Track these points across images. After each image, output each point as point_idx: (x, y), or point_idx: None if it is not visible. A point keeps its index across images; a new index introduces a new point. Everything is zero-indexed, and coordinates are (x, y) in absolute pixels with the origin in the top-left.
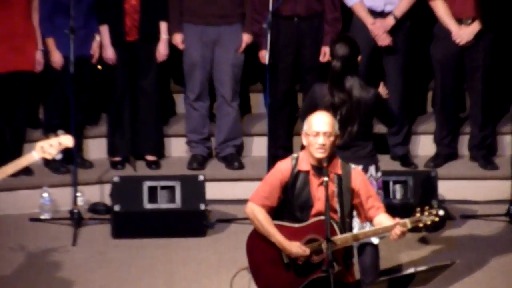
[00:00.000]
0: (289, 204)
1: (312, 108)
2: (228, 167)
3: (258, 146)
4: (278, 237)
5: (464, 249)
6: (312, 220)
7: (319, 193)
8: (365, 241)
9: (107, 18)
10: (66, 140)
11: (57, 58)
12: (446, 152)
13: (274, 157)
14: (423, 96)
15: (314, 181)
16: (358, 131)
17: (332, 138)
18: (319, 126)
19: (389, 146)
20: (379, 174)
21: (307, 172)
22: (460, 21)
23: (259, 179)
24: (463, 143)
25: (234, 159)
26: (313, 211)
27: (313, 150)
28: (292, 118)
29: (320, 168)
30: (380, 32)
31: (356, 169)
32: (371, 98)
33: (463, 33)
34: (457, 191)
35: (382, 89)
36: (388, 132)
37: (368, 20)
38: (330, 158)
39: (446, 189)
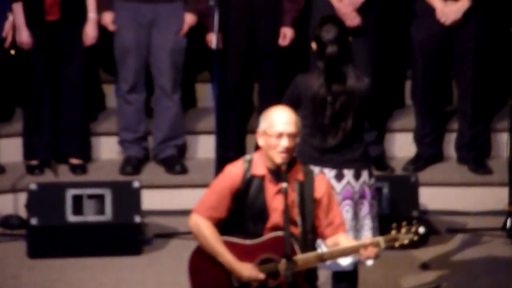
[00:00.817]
0: (241, 215)
1: (293, 103)
2: (168, 171)
3: (204, 146)
4: (227, 257)
5: (451, 270)
6: (268, 236)
7: (276, 203)
8: (339, 268)
9: None
10: None
11: None
12: (428, 153)
13: (223, 159)
14: (400, 86)
15: (270, 188)
16: (352, 128)
17: (296, 140)
18: (282, 126)
19: None
20: (373, 180)
21: (262, 177)
22: None
23: (206, 186)
24: (450, 142)
25: (175, 162)
26: (269, 224)
27: (273, 154)
28: (245, 113)
29: (278, 173)
30: (348, 10)
31: (320, 176)
32: (366, 89)
33: (449, 11)
34: (442, 200)
35: None
36: None
37: None
38: (291, 162)
39: (429, 197)
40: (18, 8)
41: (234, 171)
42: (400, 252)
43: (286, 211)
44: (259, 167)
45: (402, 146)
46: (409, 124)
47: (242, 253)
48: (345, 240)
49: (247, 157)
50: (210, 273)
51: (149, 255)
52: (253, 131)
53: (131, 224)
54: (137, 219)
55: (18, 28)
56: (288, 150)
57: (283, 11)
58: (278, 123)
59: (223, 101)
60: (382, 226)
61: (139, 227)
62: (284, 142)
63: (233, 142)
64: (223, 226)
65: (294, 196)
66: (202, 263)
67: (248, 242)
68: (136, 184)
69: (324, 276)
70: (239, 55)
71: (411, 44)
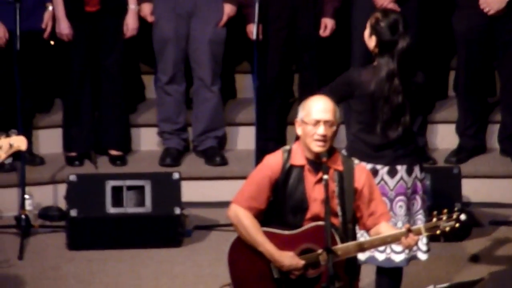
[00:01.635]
0: (280, 206)
1: (342, 98)
2: (208, 163)
3: (244, 138)
4: (267, 246)
5: (495, 262)
6: (308, 225)
7: (315, 193)
8: (392, 264)
9: None
10: (19, 142)
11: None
12: (471, 145)
13: (263, 151)
14: (444, 77)
15: (309, 178)
16: (410, 121)
17: (334, 128)
18: (319, 113)
19: None
20: (423, 174)
21: (301, 167)
22: None
23: (246, 178)
24: (492, 134)
25: (215, 154)
26: (309, 214)
27: (310, 141)
28: (285, 105)
29: (317, 163)
30: (386, 2)
31: (360, 165)
32: (421, 82)
33: (493, 1)
34: (485, 192)
35: None
36: None
37: None
38: (330, 151)
39: (472, 189)
40: None
41: (273, 161)
42: (442, 244)
43: (327, 202)
44: (298, 157)
45: (444, 137)
46: (451, 116)
47: (282, 243)
48: (387, 228)
49: (286, 147)
50: (250, 264)
51: (189, 247)
52: (293, 123)
53: (170, 216)
54: (177, 210)
55: (58, 19)
56: (324, 138)
57: (323, 1)
58: (315, 110)
59: (263, 92)
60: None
61: (179, 219)
62: (321, 130)
63: (273, 134)
64: (263, 218)
65: (333, 186)
66: (242, 253)
67: (288, 232)
68: (176, 175)
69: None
70: (279, 46)
71: (454, 35)
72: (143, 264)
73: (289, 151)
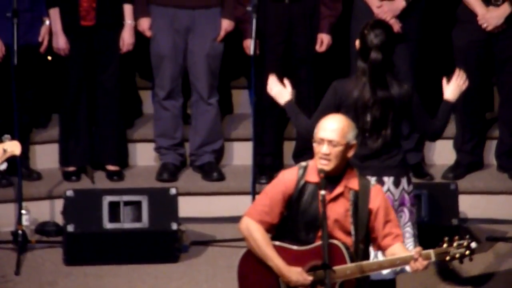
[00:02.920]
0: (292, 222)
1: (331, 110)
2: (205, 178)
3: (241, 153)
4: (276, 261)
5: (492, 278)
6: (319, 243)
7: (328, 211)
8: (379, 276)
9: None
10: (13, 147)
11: None
12: (468, 161)
13: (260, 166)
14: (440, 92)
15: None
16: (392, 135)
17: (338, 148)
18: (324, 132)
19: None
20: (411, 187)
21: (316, 184)
22: (487, 1)
23: (243, 193)
24: (490, 150)
25: (212, 169)
26: (321, 232)
27: (317, 159)
28: (282, 120)
29: (332, 179)
30: (388, 17)
31: (376, 186)
32: (405, 95)
33: (491, 16)
34: (482, 208)
35: (456, 80)
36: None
37: (373, 2)
38: (345, 169)
39: (469, 205)
40: (55, 13)
41: (288, 176)
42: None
43: (324, 218)
44: (313, 174)
45: (441, 153)
46: (449, 131)
47: (292, 259)
48: (401, 250)
49: (303, 163)
50: (259, 277)
51: (186, 262)
52: (291, 138)
53: (167, 231)
54: (174, 226)
55: (55, 34)
56: (327, 157)
57: (320, 17)
58: (322, 129)
59: (260, 107)
60: (421, 234)
61: (176, 234)
62: (324, 149)
63: (271, 149)
64: (275, 233)
65: (348, 205)
66: (252, 267)
67: (299, 247)
68: (173, 191)
69: None
70: (276, 61)
71: (453, 50)
72: (140, 280)
73: (305, 168)
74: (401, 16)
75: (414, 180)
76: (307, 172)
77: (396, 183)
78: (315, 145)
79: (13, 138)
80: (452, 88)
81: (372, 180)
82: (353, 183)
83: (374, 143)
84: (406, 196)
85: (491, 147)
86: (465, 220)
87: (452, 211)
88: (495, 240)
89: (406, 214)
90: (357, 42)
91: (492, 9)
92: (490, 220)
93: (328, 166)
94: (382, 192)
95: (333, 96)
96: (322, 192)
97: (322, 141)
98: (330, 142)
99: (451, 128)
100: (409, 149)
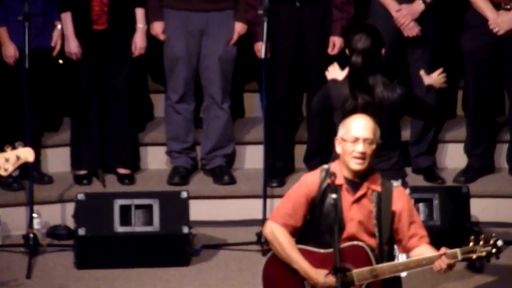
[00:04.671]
0: (316, 225)
1: (324, 111)
2: (216, 181)
3: (252, 157)
4: (302, 264)
5: (504, 282)
6: (344, 245)
7: (352, 213)
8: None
9: (70, 3)
10: (26, 154)
11: (10, 51)
12: (480, 164)
13: (271, 169)
14: (452, 96)
15: (347, 197)
16: (382, 138)
17: (373, 146)
18: (358, 131)
19: (411, 156)
20: (408, 190)
21: (339, 186)
22: (498, 5)
23: (254, 196)
24: (501, 154)
25: (223, 172)
26: (345, 234)
27: (349, 159)
28: (293, 123)
29: (355, 182)
30: (407, 21)
31: (399, 188)
32: (397, 99)
33: (502, 21)
34: (494, 212)
35: (438, 77)
36: (410, 140)
37: (392, 5)
38: (368, 172)
39: (480, 209)
40: (67, 17)
41: (311, 179)
42: None
43: (336, 221)
44: (337, 176)
45: (453, 157)
46: (460, 135)
47: (317, 261)
48: (429, 251)
49: (325, 166)
50: (284, 280)
51: (197, 266)
52: (302, 142)
53: (179, 235)
54: (185, 229)
55: (67, 38)
56: (363, 155)
57: (332, 20)
58: (354, 128)
59: (271, 111)
60: (433, 237)
61: (187, 238)
62: (360, 147)
63: (282, 153)
64: (299, 236)
65: (371, 207)
66: (276, 270)
67: (323, 250)
68: (184, 194)
69: None
70: (287, 65)
71: (462, 55)
72: (151, 283)
73: (327, 170)
74: (419, 18)
75: (425, 183)
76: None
77: None
78: (345, 144)
79: (24, 142)
80: (432, 79)
81: (395, 182)
82: (376, 184)
83: None
84: None
85: (502, 150)
86: (477, 223)
87: (463, 214)
88: (506, 244)
89: None
90: (346, 49)
91: (503, 13)
92: (502, 224)
93: (363, 165)
94: (405, 194)
95: (325, 98)
96: (334, 195)
97: (357, 140)
98: (365, 140)
99: (463, 132)
100: (421, 153)
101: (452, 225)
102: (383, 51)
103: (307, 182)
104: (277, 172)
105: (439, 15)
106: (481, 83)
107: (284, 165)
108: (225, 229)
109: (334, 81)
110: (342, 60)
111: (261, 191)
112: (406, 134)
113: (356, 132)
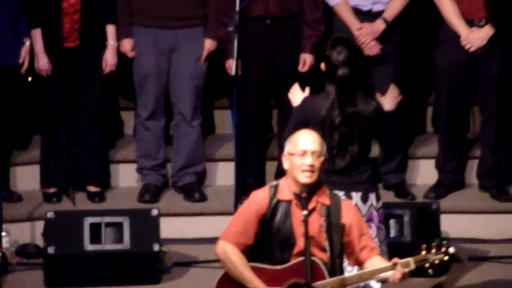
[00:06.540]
0: (267, 241)
1: (301, 126)
2: (187, 199)
3: (223, 174)
4: (255, 282)
5: None
6: (295, 260)
7: (303, 228)
8: None
9: (40, 19)
10: None
11: None
12: (450, 180)
13: (242, 186)
14: (422, 112)
15: (297, 213)
16: (359, 151)
17: (321, 159)
18: (307, 144)
19: (381, 173)
20: (380, 203)
21: (288, 202)
22: (470, 22)
23: (225, 213)
24: (471, 170)
25: (194, 189)
26: (296, 249)
27: (298, 173)
28: (264, 140)
29: (305, 198)
30: (368, 39)
31: (347, 201)
32: (372, 112)
33: (474, 37)
34: (464, 228)
35: (391, 94)
36: (380, 156)
37: (353, 24)
38: (316, 185)
39: (451, 224)
40: (37, 34)
41: (261, 196)
42: (422, 279)
43: (307, 238)
44: (286, 192)
45: (423, 173)
46: (430, 151)
47: (270, 279)
48: (380, 262)
49: (273, 183)
50: None
51: (168, 284)
52: (273, 158)
53: (149, 253)
54: (156, 247)
55: (37, 55)
56: (312, 168)
57: (302, 37)
58: (302, 142)
59: (242, 128)
60: (404, 253)
61: (158, 256)
62: (308, 160)
63: (253, 169)
64: (250, 254)
65: (321, 220)
66: None
67: (275, 267)
68: (154, 212)
69: None
70: (258, 82)
71: (435, 70)
72: None
73: (276, 186)
74: (381, 38)
75: (396, 200)
76: (278, 190)
77: (364, 199)
78: (293, 158)
79: None
80: (389, 100)
81: (340, 194)
82: (324, 198)
83: (342, 161)
84: (375, 213)
85: (472, 166)
86: (447, 239)
87: (434, 230)
88: (477, 260)
89: (373, 230)
90: (322, 65)
91: (475, 30)
92: (472, 240)
93: (312, 178)
94: (353, 207)
95: (302, 113)
96: (305, 212)
97: (305, 153)
98: (313, 153)
99: (433, 148)
100: (391, 170)
101: (422, 241)
102: (360, 62)
103: (257, 199)
104: (248, 189)
105: (402, 33)
106: (454, 100)
107: (255, 182)
108: (196, 246)
109: (308, 97)
110: (312, 77)
111: (232, 208)
112: (376, 150)
113: (304, 145)
